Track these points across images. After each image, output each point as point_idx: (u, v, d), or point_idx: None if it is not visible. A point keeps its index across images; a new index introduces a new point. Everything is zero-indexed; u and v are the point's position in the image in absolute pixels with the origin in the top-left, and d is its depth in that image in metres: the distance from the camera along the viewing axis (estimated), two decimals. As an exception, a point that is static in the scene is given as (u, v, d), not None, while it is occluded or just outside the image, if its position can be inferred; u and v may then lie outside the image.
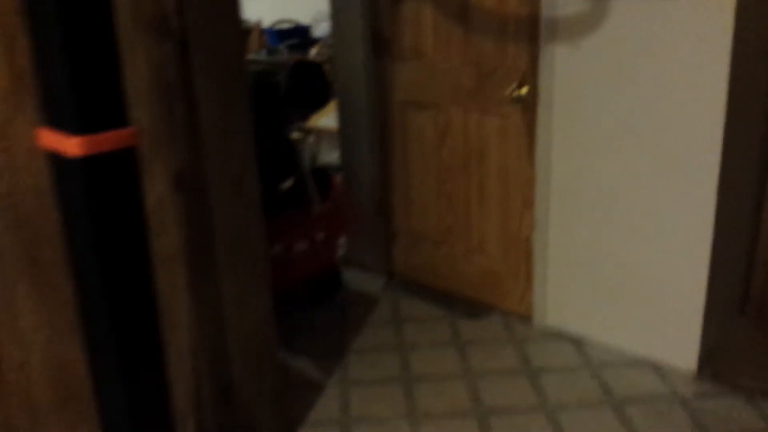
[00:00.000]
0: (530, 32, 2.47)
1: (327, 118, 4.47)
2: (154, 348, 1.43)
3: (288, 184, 2.93)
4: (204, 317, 1.86)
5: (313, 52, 5.54)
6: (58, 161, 1.19)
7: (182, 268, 1.79)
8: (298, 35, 6.20)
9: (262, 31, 6.29)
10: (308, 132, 4.87)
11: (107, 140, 1.17)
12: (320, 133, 4.65)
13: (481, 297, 2.94)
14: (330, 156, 4.54)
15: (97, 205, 1.20)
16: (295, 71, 2.72)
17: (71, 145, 1.14)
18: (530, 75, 2.51)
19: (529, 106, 2.54)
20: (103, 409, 1.45)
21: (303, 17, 6.57)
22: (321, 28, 6.25)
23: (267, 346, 2.05)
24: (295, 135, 2.98)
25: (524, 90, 2.53)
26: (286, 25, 6.49)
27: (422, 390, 2.41)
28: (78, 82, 1.13)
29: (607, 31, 2.29)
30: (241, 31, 1.87)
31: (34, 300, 1.51)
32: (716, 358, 2.48)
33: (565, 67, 2.41)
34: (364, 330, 2.82)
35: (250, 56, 5.85)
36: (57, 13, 1.09)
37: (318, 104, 2.88)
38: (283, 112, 2.78)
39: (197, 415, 1.93)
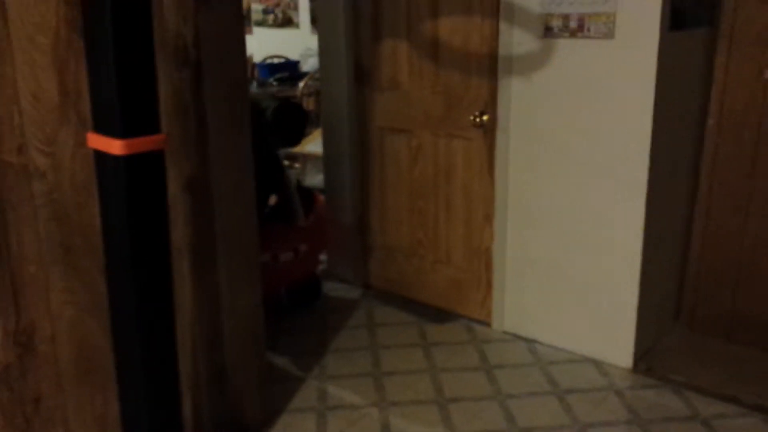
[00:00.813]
0: (490, 67, 2.84)
1: (313, 144, 4.82)
2: (169, 327, 1.72)
3: (275, 198, 3.25)
4: (203, 305, 2.16)
5: (301, 85, 5.93)
6: (104, 159, 1.51)
7: (187, 260, 2.09)
8: (287, 69, 6.60)
9: (254, 65, 6.68)
10: (295, 157, 5.23)
11: (144, 143, 1.50)
12: (306, 157, 5.00)
13: (446, 305, 3.26)
14: (315, 179, 4.88)
15: (134, 196, 1.52)
16: (279, 110, 3.10)
17: (116, 146, 1.46)
18: (491, 104, 2.88)
19: (489, 130, 2.91)
20: (122, 381, 1.73)
21: (291, 53, 6.97)
22: (309, 64, 6.66)
23: (255, 336, 2.35)
24: (284, 161, 3.33)
25: (486, 117, 2.89)
26: (276, 60, 6.89)
27: (391, 383, 2.71)
28: (124, 95, 1.45)
29: (554, 67, 2.67)
30: (246, 62, 2.20)
31: (66, 282, 1.80)
32: (651, 357, 2.82)
33: (519, 98, 2.78)
34: (341, 333, 3.13)
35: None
36: (112, 44, 1.42)
37: (295, 140, 3.26)
38: (270, 136, 3.12)
39: (194, 395, 2.22)
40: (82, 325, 1.84)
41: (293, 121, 3.15)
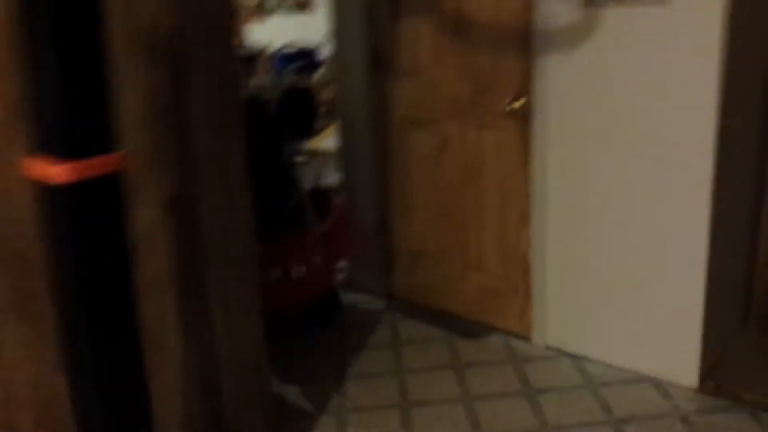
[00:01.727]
0: (524, 45, 2.47)
1: (330, 139, 4.46)
2: (138, 377, 1.40)
3: (286, 205, 2.91)
4: (193, 342, 1.84)
5: (318, 74, 5.57)
6: (45, 188, 1.18)
7: (172, 292, 1.77)
8: (304, 58, 6.23)
9: (268, 57, 6.36)
10: (312, 154, 4.90)
11: (95, 165, 1.17)
12: (324, 155, 4.64)
13: (480, 316, 2.91)
14: (335, 177, 4.54)
15: (84, 231, 1.19)
16: (285, 97, 2.74)
17: (59, 172, 1.14)
18: (525, 87, 2.51)
19: (525, 118, 2.54)
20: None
21: (313, 39, 6.58)
22: (328, 50, 6.28)
23: (259, 373, 2.03)
24: (299, 158, 2.99)
25: (520, 102, 2.52)
26: (290, 50, 6.52)
27: (421, 416, 2.36)
28: (67, 108, 1.13)
29: (598, 41, 2.29)
30: (236, 54, 1.87)
31: (22, 333, 1.49)
32: (719, 371, 2.44)
33: (558, 78, 2.40)
34: (363, 354, 2.79)
35: (255, 81, 5.96)
36: (51, 40, 1.09)
37: (305, 131, 2.89)
38: (275, 133, 2.78)
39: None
40: (43, 385, 1.53)
41: (301, 110, 2.80)
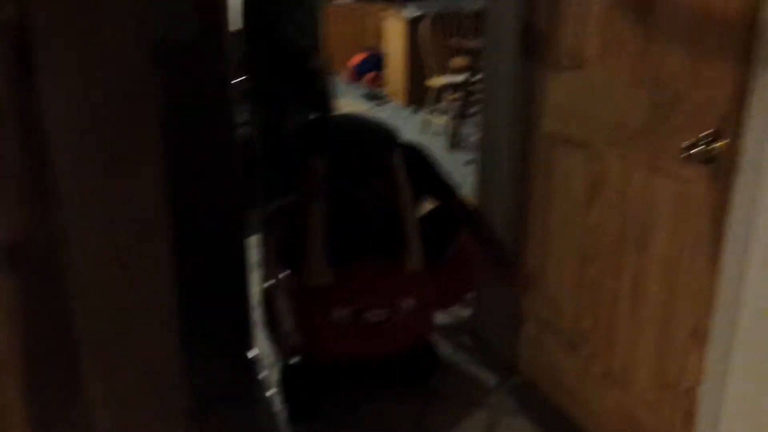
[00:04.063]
0: (740, 45, 1.39)
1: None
2: None
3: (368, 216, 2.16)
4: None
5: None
6: None
7: (16, 377, 1.15)
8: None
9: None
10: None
11: None
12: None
13: (614, 447, 1.91)
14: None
15: None
16: None
17: None
18: (732, 118, 1.43)
19: (724, 170, 1.46)
20: None
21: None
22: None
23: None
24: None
25: (720, 143, 1.46)
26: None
27: None
28: None
29: None
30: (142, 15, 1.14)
31: None
32: None
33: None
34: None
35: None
36: None
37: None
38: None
39: None
40: None
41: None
